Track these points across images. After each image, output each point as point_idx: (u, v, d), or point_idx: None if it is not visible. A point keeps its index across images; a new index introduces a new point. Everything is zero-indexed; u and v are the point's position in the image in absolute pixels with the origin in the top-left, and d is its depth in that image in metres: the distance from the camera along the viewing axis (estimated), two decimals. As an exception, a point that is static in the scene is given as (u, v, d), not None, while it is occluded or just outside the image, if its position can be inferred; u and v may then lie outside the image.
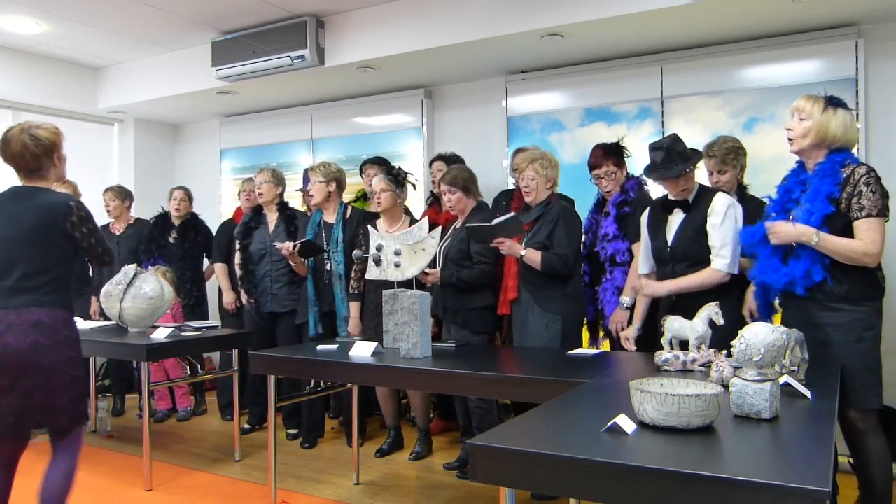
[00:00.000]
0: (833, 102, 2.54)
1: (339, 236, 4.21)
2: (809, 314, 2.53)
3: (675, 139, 2.92)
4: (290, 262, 4.22)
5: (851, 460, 2.67)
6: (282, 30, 4.82)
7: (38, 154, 2.59)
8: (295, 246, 4.03)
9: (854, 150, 2.67)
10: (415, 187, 4.49)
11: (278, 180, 4.59)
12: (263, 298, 4.53)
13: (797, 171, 2.68)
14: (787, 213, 2.62)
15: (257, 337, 4.41)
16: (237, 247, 4.61)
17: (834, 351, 2.49)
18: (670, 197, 2.96)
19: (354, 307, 4.15)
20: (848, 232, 2.45)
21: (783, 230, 2.51)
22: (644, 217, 3.10)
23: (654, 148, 2.92)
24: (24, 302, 2.51)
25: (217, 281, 5.08)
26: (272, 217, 4.60)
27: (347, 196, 5.05)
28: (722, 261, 2.79)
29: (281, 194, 4.62)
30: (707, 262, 2.83)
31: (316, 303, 4.22)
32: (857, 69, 3.89)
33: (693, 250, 2.86)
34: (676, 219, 2.94)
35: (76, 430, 2.63)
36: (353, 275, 4.09)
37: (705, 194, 2.90)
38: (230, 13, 4.75)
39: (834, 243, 2.43)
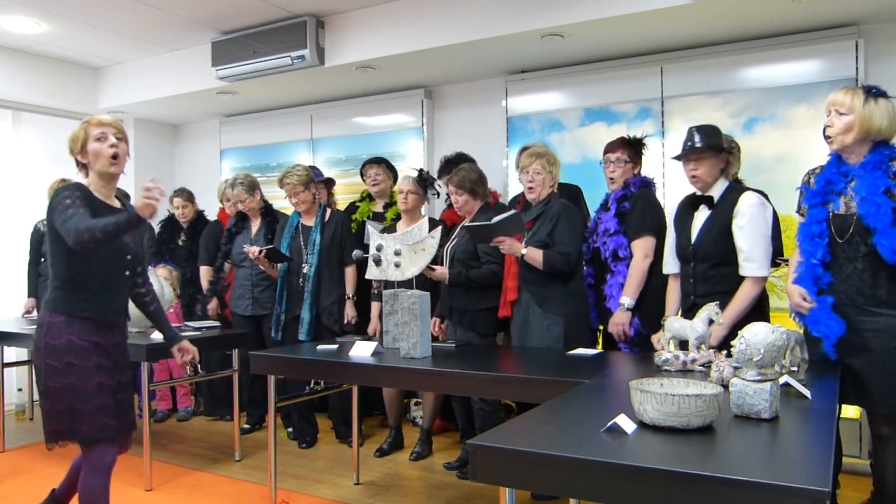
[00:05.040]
0: (873, 93, 2.43)
1: (316, 239, 4.22)
2: (848, 318, 2.46)
3: (716, 129, 2.89)
4: (259, 265, 4.26)
5: (872, 461, 2.65)
6: (282, 30, 4.82)
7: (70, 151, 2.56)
8: (261, 251, 4.06)
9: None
10: (438, 196, 4.51)
11: (252, 189, 4.58)
12: (244, 302, 4.55)
13: (836, 163, 2.55)
14: (827, 205, 2.53)
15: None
16: (220, 252, 4.68)
17: (870, 356, 2.43)
18: (692, 185, 2.91)
19: (375, 307, 4.18)
20: None
21: None
22: (671, 214, 3.06)
23: (691, 130, 2.89)
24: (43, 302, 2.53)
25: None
26: (255, 222, 4.64)
27: (350, 199, 5.06)
28: (752, 265, 2.70)
29: (261, 199, 4.64)
30: (729, 264, 2.75)
31: (278, 305, 4.27)
32: (857, 69, 3.88)
33: (716, 251, 2.78)
34: (701, 216, 2.86)
35: (91, 447, 2.46)
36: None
37: (732, 192, 2.80)
38: (230, 13, 4.75)
39: None
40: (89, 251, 2.35)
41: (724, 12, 3.80)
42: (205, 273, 4.94)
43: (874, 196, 2.38)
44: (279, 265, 4.26)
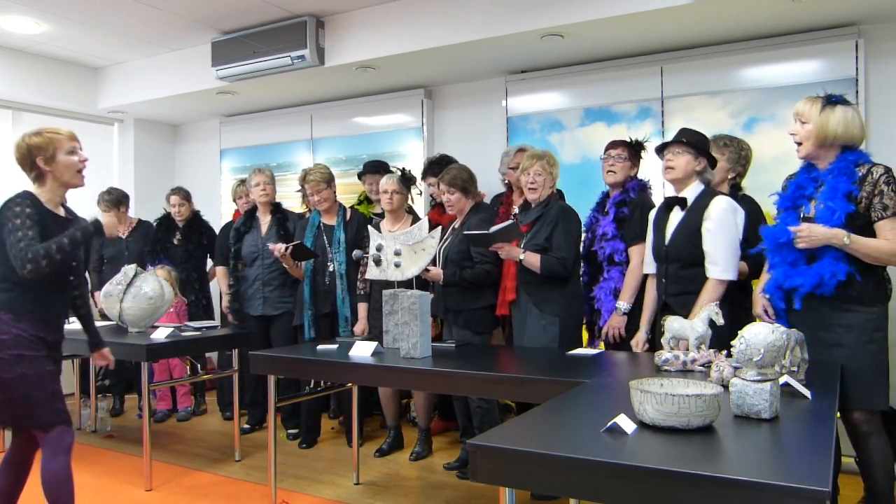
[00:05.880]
0: (831, 101, 2.52)
1: (340, 237, 4.21)
2: (819, 314, 2.50)
3: (704, 136, 2.97)
4: (283, 263, 4.22)
5: (857, 460, 2.66)
6: (282, 30, 4.82)
7: (19, 161, 2.64)
8: (287, 248, 4.03)
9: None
10: (421, 193, 4.50)
11: (273, 179, 4.61)
12: (255, 302, 4.52)
13: (808, 168, 2.63)
14: (798, 209, 2.59)
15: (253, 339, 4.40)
16: (231, 253, 4.62)
17: (843, 352, 2.47)
18: (667, 182, 2.98)
19: (362, 308, 4.16)
20: (866, 231, 2.43)
21: (815, 234, 2.44)
22: (652, 215, 3.10)
23: (680, 129, 2.98)
24: None
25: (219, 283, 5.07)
26: (265, 220, 4.59)
27: (350, 199, 5.06)
28: (715, 268, 2.76)
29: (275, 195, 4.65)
30: (698, 265, 2.80)
31: (311, 305, 4.22)
32: (857, 69, 3.89)
33: (685, 252, 2.84)
34: (675, 217, 2.92)
35: (49, 430, 2.54)
36: (359, 276, 4.11)
37: (706, 196, 2.86)
38: (230, 13, 4.75)
39: (864, 244, 2.41)
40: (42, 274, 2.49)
41: (724, 12, 3.80)
42: (221, 273, 4.90)
43: (830, 201, 2.47)
44: (304, 264, 4.25)
